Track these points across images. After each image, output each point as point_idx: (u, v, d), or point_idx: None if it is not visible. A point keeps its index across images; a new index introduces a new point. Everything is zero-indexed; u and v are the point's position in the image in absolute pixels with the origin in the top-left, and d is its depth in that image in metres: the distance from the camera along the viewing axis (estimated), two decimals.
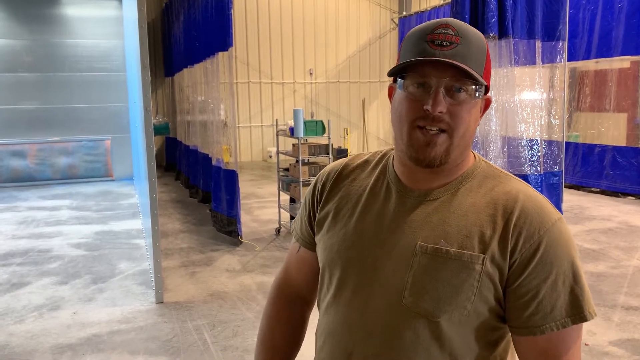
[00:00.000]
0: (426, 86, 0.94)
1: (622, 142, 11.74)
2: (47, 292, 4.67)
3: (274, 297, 1.28)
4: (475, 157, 1.06)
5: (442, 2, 13.58)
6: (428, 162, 0.97)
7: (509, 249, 0.94)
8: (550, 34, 5.79)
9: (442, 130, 0.95)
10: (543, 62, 5.79)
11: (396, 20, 15.21)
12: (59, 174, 10.93)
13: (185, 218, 7.62)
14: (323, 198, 1.14)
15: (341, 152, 11.42)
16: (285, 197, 6.66)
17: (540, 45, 5.67)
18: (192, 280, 4.99)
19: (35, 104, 10.85)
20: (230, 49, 6.12)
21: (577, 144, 9.54)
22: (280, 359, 1.26)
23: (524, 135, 5.64)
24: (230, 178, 6.28)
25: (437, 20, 0.97)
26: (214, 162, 7.04)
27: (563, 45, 5.86)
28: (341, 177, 1.15)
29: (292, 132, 5.75)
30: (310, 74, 14.77)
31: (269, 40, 14.30)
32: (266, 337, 1.27)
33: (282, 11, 14.36)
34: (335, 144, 12.75)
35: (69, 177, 10.97)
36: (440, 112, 0.93)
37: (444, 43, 0.93)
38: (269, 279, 4.94)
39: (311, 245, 1.19)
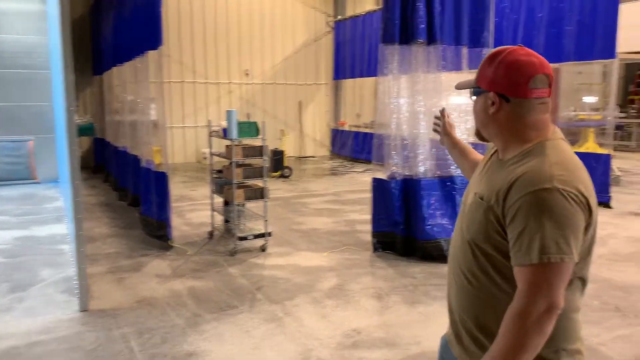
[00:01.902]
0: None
1: None
2: None
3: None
4: (544, 137, 1.45)
5: (375, 7, 13.85)
6: (479, 138, 1.59)
7: (503, 202, 1.38)
8: (476, 41, 6.02)
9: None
10: (469, 68, 6.01)
11: (331, 24, 15.36)
12: None
13: (114, 222, 7.35)
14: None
15: (277, 154, 11.40)
16: (219, 200, 6.56)
17: (466, 51, 5.88)
18: (119, 286, 4.82)
19: None
20: (160, 47, 5.97)
21: None
22: None
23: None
24: (160, 180, 6.12)
25: None
26: (143, 164, 6.83)
27: (487, 52, 6.11)
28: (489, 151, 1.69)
29: (225, 133, 5.67)
30: (247, 74, 14.65)
31: (204, 40, 14.06)
32: None
33: (217, 11, 14.15)
34: (271, 145, 12.72)
35: None
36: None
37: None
38: (200, 284, 4.85)
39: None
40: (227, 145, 5.74)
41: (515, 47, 1.49)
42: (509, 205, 1.36)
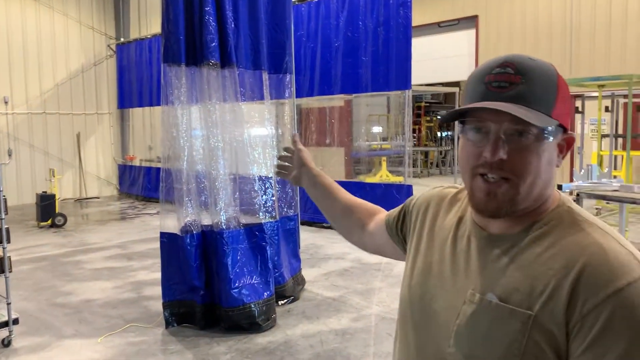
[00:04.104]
0: (485, 131, 0.90)
1: (341, 176, 12.45)
2: None
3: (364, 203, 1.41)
4: (559, 201, 0.95)
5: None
6: (490, 213, 0.92)
7: (565, 309, 0.82)
8: (278, 66, 5.28)
9: (504, 179, 0.89)
10: (271, 96, 5.22)
11: (113, 47, 13.61)
12: None
13: None
14: (417, 224, 1.15)
15: (47, 199, 9.30)
16: None
17: (267, 77, 5.08)
18: None
19: None
20: None
21: None
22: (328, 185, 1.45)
23: (256, 178, 4.93)
24: None
25: (499, 57, 0.91)
26: None
27: (291, 79, 5.40)
28: (438, 206, 1.13)
29: None
30: (6, 102, 12.04)
31: None
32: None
33: None
34: (41, 188, 10.46)
35: None
36: (500, 159, 0.88)
37: (503, 84, 0.88)
38: None
39: (389, 232, 1.27)
40: None
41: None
42: (581, 313, 0.80)
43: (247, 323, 4.36)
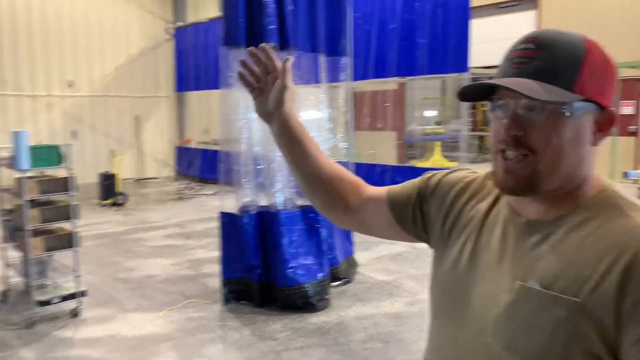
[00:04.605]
0: (506, 108, 0.87)
1: (393, 161, 12.34)
2: None
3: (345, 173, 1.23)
4: (603, 185, 0.90)
5: (220, 13, 12.76)
6: (509, 190, 0.90)
7: (616, 296, 0.77)
8: (334, 49, 5.25)
9: (524, 155, 0.86)
10: (329, 81, 5.22)
11: (171, 31, 13.91)
12: None
13: None
14: (443, 210, 1.07)
15: (108, 179, 9.70)
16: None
17: (324, 60, 5.07)
18: None
19: None
20: None
21: (359, 164, 9.46)
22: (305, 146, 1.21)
23: None
24: None
25: (527, 34, 0.89)
26: None
27: (347, 61, 5.38)
28: (464, 191, 1.06)
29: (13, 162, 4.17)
30: (71, 85, 12.57)
31: (16, 45, 11.75)
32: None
33: (31, 10, 11.94)
34: (102, 168, 10.91)
35: None
36: (515, 136, 0.86)
37: (522, 60, 0.87)
38: None
39: (395, 213, 1.14)
40: (16, 179, 4.23)
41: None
42: (634, 300, 0.76)
43: (302, 302, 4.43)
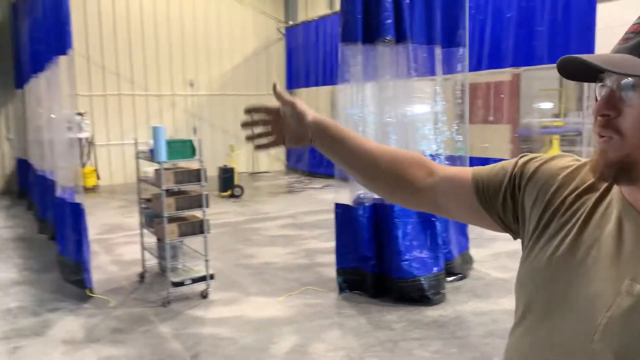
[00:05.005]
0: (605, 87, 0.81)
1: (507, 154, 11.83)
2: None
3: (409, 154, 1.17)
4: None
5: (329, 11, 13.00)
6: (599, 175, 0.83)
7: None
8: (451, 40, 5.19)
9: (610, 138, 0.79)
10: (445, 73, 5.16)
11: (282, 30, 14.41)
12: None
13: (26, 263, 6.09)
14: (540, 198, 0.96)
15: (227, 172, 10.30)
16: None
17: (440, 52, 5.02)
18: None
19: None
20: (70, 51, 4.85)
21: (472, 157, 9.22)
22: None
23: (426, 155, 4.94)
24: (75, 213, 4.96)
25: None
26: (58, 192, 5.64)
27: (464, 53, 5.28)
28: (569, 181, 0.95)
29: (152, 155, 4.59)
30: (191, 85, 13.47)
31: (142, 47, 12.82)
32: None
33: (158, 17, 12.96)
34: (221, 162, 11.58)
35: None
36: (605, 115, 0.79)
37: (630, 36, 0.79)
38: (119, 353, 3.74)
39: (480, 197, 1.05)
40: (156, 169, 4.66)
41: None
42: None
43: (418, 295, 4.45)
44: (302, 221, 7.94)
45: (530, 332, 0.91)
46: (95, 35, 12.22)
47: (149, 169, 5.00)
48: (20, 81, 10.12)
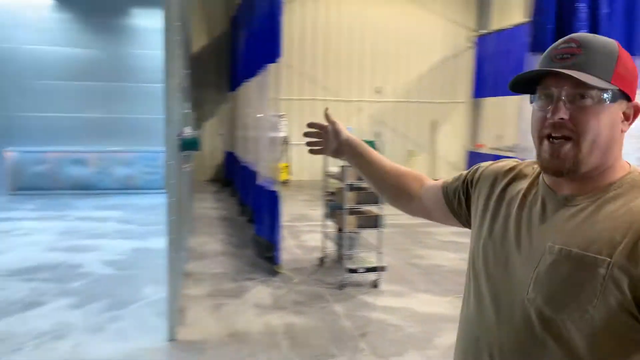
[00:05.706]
0: (550, 97, 1.01)
1: None
2: (56, 317, 4.27)
3: (409, 171, 1.49)
4: (629, 168, 1.05)
5: (524, 19, 12.56)
6: (554, 171, 1.03)
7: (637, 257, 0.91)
8: None
9: (567, 139, 0.99)
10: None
11: (473, 39, 14.29)
12: (117, 183, 10.91)
13: (229, 239, 7.15)
14: (484, 192, 1.24)
15: None
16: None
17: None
18: (215, 314, 4.44)
19: (100, 113, 10.92)
20: (279, 59, 5.63)
21: None
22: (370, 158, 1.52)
23: None
24: (272, 199, 5.73)
25: (566, 37, 1.03)
26: (259, 181, 6.54)
27: None
28: (507, 175, 1.21)
29: None
30: (379, 92, 14.11)
31: (338, 56, 13.82)
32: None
33: (352, 28, 13.85)
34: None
35: (126, 187, 10.92)
36: (560, 120, 0.99)
37: (565, 56, 1.00)
38: (300, 322, 4.30)
39: (447, 199, 1.35)
40: (342, 166, 5.18)
41: None
42: None
43: None
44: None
45: (480, 292, 1.14)
46: (297, 45, 13.52)
47: (333, 168, 5.56)
48: (233, 85, 11.71)
